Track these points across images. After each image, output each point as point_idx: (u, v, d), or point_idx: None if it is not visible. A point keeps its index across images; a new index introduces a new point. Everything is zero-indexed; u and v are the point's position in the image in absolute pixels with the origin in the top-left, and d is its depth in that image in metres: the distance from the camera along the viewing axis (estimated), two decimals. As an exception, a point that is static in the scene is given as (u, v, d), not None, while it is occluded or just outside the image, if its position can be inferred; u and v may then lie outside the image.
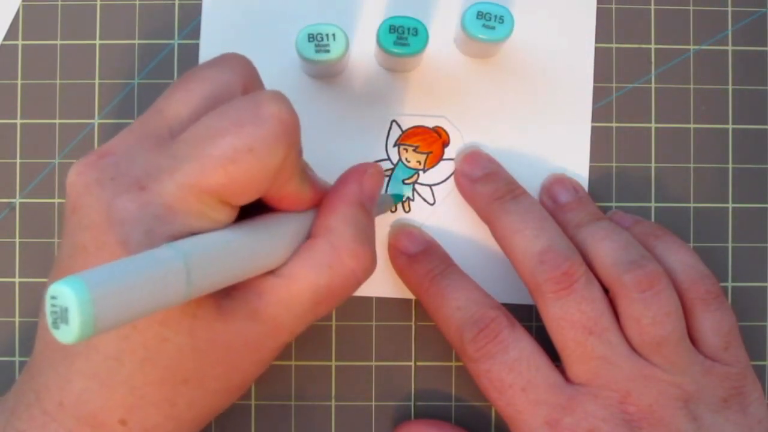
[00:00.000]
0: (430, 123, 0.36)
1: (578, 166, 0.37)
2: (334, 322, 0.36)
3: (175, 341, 0.25)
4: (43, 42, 0.36)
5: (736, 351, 0.33)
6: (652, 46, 0.37)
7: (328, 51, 0.32)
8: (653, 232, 0.34)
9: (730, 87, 0.37)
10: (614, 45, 0.37)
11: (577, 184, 0.36)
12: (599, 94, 0.37)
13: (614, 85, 0.37)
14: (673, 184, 0.37)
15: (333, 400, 0.36)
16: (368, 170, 0.30)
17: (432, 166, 0.36)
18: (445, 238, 0.36)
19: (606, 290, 0.32)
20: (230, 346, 0.26)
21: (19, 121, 0.36)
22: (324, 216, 0.28)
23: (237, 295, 0.26)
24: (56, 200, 0.36)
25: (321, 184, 0.29)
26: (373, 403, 0.36)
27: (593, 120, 0.37)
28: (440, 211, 0.36)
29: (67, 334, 0.19)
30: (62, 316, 0.19)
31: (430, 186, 0.36)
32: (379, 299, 0.36)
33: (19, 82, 0.36)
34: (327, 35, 0.32)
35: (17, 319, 0.36)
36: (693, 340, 0.32)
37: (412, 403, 0.36)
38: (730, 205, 0.37)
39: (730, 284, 0.37)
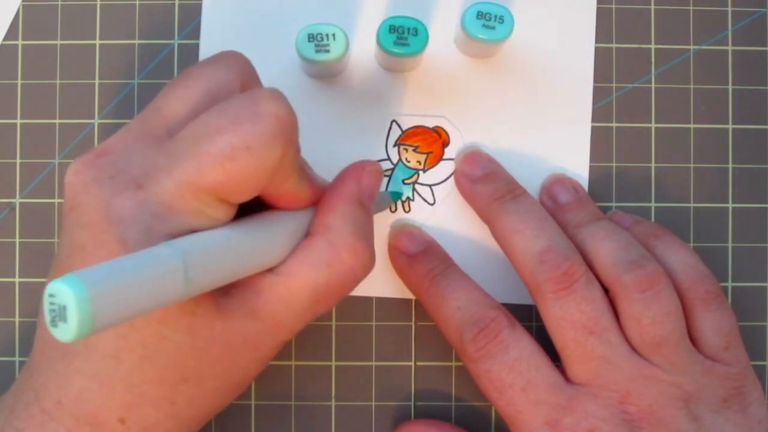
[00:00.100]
0: (430, 123, 0.36)
1: (578, 166, 0.37)
2: (334, 322, 0.36)
3: (174, 339, 0.25)
4: (43, 42, 0.36)
5: (736, 351, 0.33)
6: (652, 46, 0.37)
7: (328, 51, 0.32)
8: (653, 232, 0.34)
9: (730, 87, 0.37)
10: (614, 45, 0.37)
11: (577, 184, 0.36)
12: (599, 94, 0.37)
13: (614, 85, 0.37)
14: (673, 184, 0.37)
15: (333, 400, 0.36)
16: (366, 168, 0.30)
17: (432, 166, 0.36)
18: (445, 238, 0.36)
19: (606, 290, 0.32)
20: (229, 344, 0.26)
21: (19, 121, 0.36)
22: (322, 214, 0.28)
23: (236, 293, 0.26)
24: (56, 200, 0.36)
25: (319, 181, 0.29)
26: (373, 403, 0.36)
27: (593, 120, 0.37)
28: (440, 211, 0.36)
29: (65, 332, 0.19)
30: (60, 315, 0.19)
31: (430, 186, 0.36)
32: (379, 299, 0.36)
33: (19, 82, 0.36)
34: (327, 35, 0.32)
35: (17, 319, 0.36)
36: (693, 340, 0.32)
37: (412, 403, 0.36)
38: (730, 205, 0.37)
39: (730, 284, 0.37)
